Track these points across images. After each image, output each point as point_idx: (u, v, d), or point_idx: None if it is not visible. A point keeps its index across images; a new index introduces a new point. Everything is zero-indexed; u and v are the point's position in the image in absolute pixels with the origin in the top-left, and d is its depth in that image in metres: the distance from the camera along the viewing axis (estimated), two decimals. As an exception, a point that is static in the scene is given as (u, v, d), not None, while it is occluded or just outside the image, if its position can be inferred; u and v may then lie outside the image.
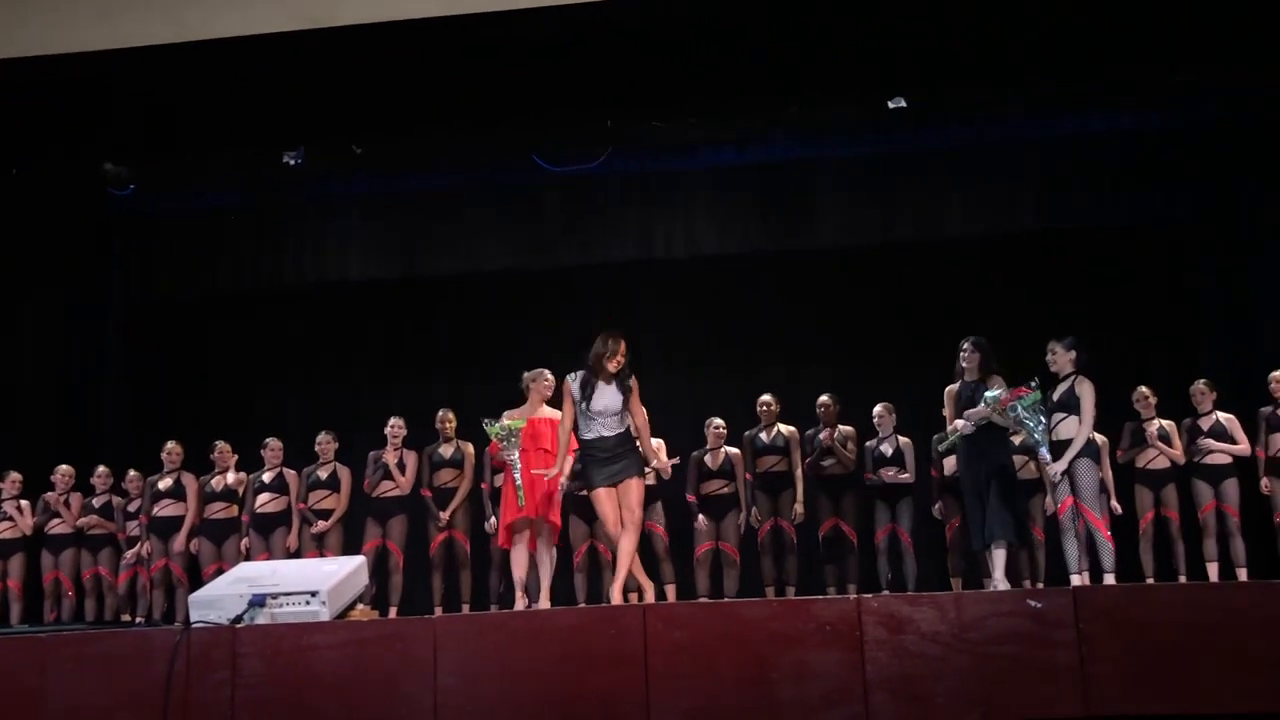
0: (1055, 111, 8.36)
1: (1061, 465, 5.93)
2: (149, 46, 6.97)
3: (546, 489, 5.99)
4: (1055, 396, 6.07)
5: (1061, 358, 6.15)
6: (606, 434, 5.50)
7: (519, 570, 6.15)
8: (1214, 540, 6.92)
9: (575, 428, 5.61)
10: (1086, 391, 6.01)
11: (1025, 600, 3.98)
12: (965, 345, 6.31)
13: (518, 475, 6.00)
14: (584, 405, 5.49)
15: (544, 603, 6.07)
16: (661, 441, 7.22)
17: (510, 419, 6.13)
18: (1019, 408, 5.91)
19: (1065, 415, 6.02)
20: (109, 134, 7.95)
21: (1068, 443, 5.97)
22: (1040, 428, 5.94)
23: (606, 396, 5.46)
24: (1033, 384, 5.90)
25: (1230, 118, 8.28)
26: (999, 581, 5.99)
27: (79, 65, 7.07)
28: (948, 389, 6.42)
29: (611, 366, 5.44)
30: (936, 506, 7.30)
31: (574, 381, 5.54)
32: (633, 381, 5.53)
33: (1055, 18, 7.36)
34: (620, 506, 5.51)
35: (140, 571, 7.77)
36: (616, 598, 5.47)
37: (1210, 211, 8.47)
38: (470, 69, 7.72)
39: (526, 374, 6.35)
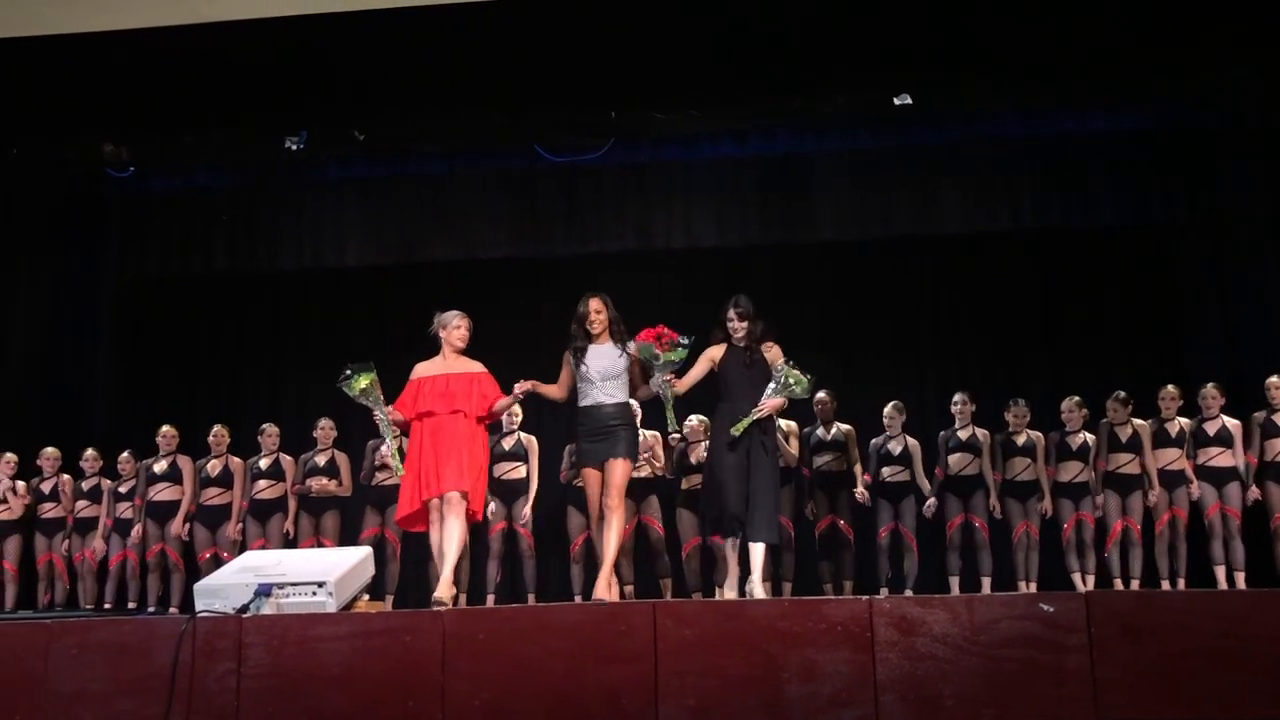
0: (1052, 111, 8.38)
1: None
2: (152, 28, 6.90)
3: (463, 458, 5.22)
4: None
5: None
6: (604, 400, 5.39)
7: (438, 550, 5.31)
8: (1219, 543, 6.95)
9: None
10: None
11: (1037, 604, 4.00)
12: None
13: (388, 438, 5.37)
14: (580, 368, 5.41)
15: (445, 590, 5.16)
16: (657, 434, 7.22)
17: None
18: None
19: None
20: (109, 114, 7.87)
21: None
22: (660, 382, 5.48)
23: (598, 358, 5.42)
24: (683, 340, 5.44)
25: (1222, 120, 8.32)
26: (757, 585, 5.44)
27: (83, 46, 7.00)
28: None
29: (592, 328, 5.45)
30: (929, 504, 7.30)
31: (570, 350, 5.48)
32: (630, 348, 5.40)
33: (1056, 18, 7.38)
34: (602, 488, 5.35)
35: (130, 555, 7.71)
36: (600, 592, 5.24)
37: (1202, 212, 8.50)
38: (474, 58, 7.67)
39: (438, 316, 5.52)
